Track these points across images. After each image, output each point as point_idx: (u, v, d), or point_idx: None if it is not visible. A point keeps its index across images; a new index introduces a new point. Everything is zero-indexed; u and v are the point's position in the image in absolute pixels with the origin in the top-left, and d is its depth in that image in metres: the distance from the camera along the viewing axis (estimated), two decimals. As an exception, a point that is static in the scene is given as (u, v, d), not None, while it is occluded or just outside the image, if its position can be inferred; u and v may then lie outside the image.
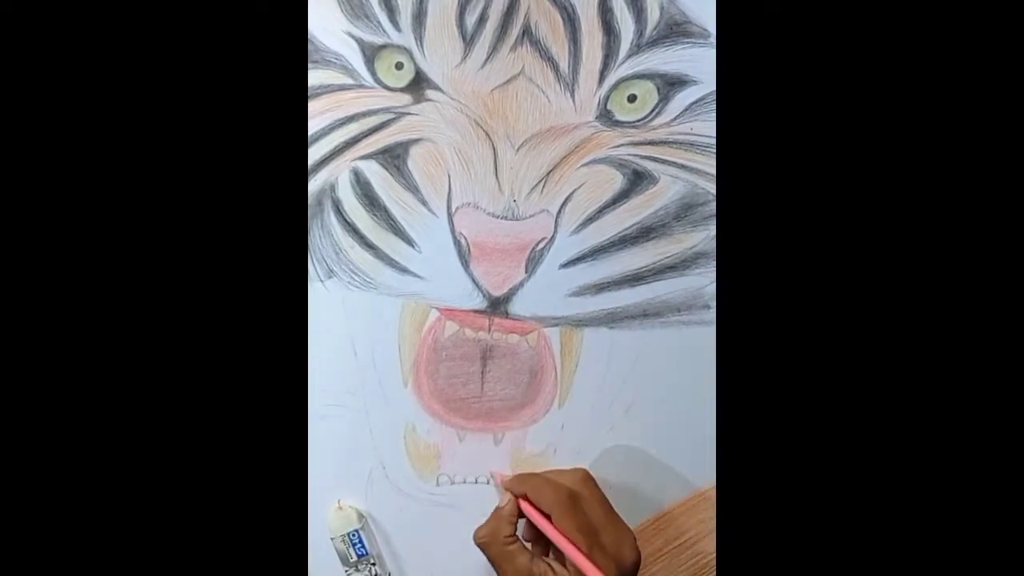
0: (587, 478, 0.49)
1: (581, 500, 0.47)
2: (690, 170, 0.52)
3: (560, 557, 0.46)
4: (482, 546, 0.48)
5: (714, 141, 0.52)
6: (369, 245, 0.53)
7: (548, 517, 0.47)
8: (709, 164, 0.52)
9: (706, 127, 0.52)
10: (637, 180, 0.52)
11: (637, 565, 0.46)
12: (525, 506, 0.48)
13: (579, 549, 0.44)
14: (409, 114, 0.53)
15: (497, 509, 0.49)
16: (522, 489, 0.49)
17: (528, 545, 0.48)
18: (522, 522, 0.49)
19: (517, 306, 0.52)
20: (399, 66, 0.53)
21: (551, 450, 0.53)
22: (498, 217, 0.52)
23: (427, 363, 0.53)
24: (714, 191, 0.52)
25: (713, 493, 0.52)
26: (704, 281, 0.52)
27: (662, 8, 0.52)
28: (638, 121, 0.53)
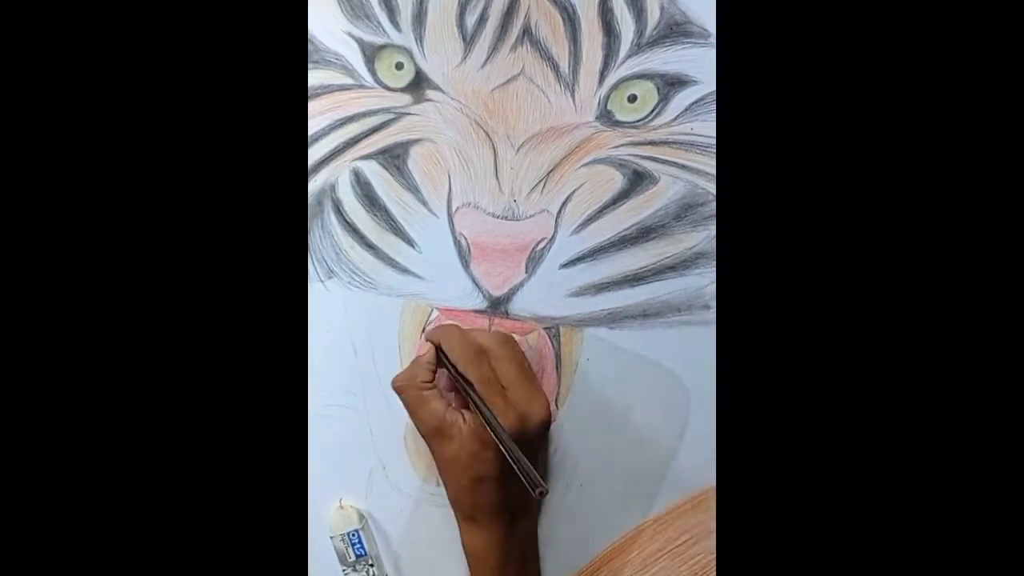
0: (507, 340, 0.50)
1: (490, 355, 0.49)
2: (690, 170, 0.52)
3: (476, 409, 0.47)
4: (398, 390, 0.49)
5: (714, 141, 0.52)
6: (369, 245, 0.53)
7: (455, 367, 0.48)
8: (709, 164, 0.52)
9: (706, 127, 0.52)
10: (637, 180, 0.52)
11: (546, 424, 0.48)
12: (439, 354, 0.49)
13: (474, 393, 0.46)
14: (409, 114, 0.53)
15: (416, 357, 0.51)
16: (437, 338, 0.50)
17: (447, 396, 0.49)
18: (443, 374, 0.50)
19: (517, 306, 0.52)
20: (399, 66, 0.53)
21: (551, 449, 0.53)
22: (498, 217, 0.52)
23: (427, 363, 0.53)
24: (714, 191, 0.52)
25: (713, 493, 0.52)
26: (704, 281, 0.52)
27: (662, 8, 0.52)
28: (638, 121, 0.53)
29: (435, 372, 0.49)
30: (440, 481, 0.53)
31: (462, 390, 0.48)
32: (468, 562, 0.49)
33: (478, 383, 0.47)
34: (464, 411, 0.48)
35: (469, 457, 0.47)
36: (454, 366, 0.48)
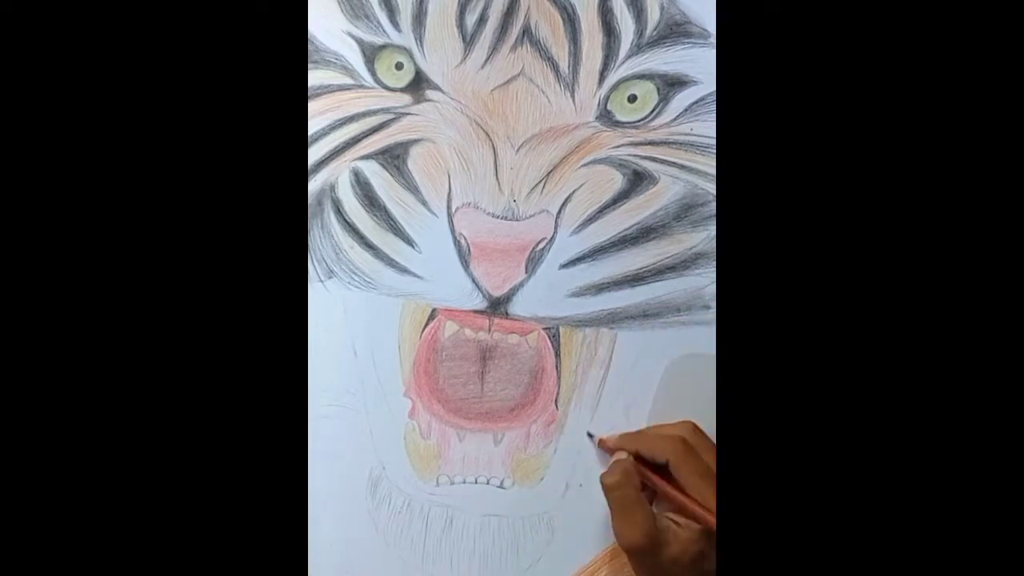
0: (696, 428, 0.49)
1: (695, 447, 0.47)
2: (690, 170, 0.52)
3: (678, 512, 0.47)
4: (612, 487, 0.47)
5: (714, 141, 0.52)
6: (369, 245, 0.53)
7: (659, 473, 0.47)
8: (709, 164, 0.52)
9: (706, 127, 0.52)
10: (637, 180, 0.52)
11: None
12: (638, 464, 0.48)
13: (694, 499, 0.45)
14: (409, 114, 0.53)
15: (619, 460, 0.48)
16: (634, 447, 0.48)
17: None
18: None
19: (517, 306, 0.52)
20: (399, 66, 0.53)
21: (551, 450, 0.53)
22: (498, 217, 0.52)
23: (427, 363, 0.53)
24: (714, 191, 0.52)
25: (713, 493, 0.52)
26: (704, 281, 0.52)
27: (662, 8, 0.52)
28: (638, 121, 0.53)
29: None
30: (440, 481, 0.53)
31: (670, 496, 0.47)
32: None
33: (696, 478, 0.46)
34: (672, 516, 0.47)
35: (692, 558, 0.45)
36: (664, 465, 0.47)
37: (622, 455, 0.49)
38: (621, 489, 0.47)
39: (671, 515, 0.47)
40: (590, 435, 0.52)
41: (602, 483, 0.48)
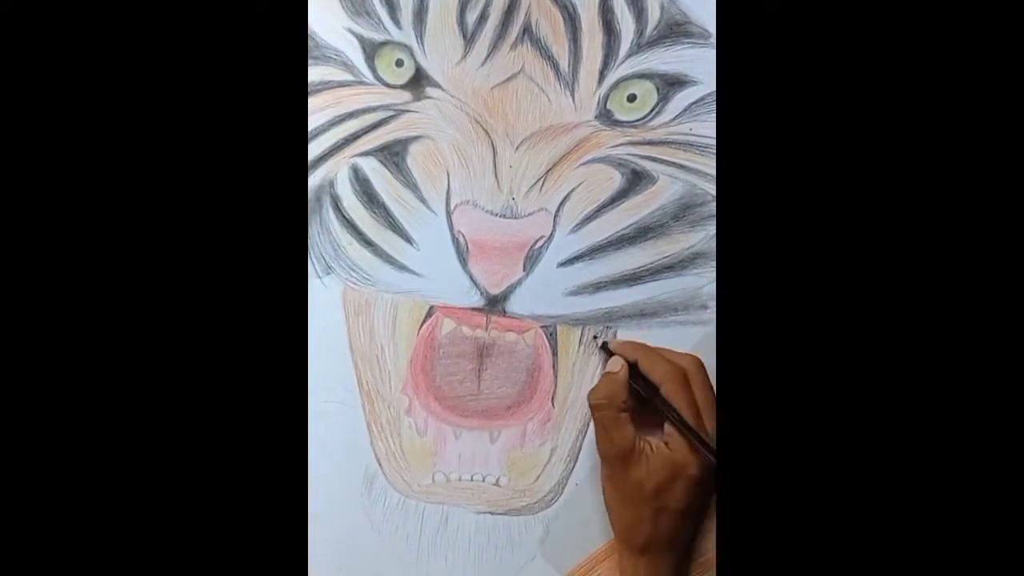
0: (701, 364, 0.49)
1: (692, 380, 0.47)
2: (689, 170, 0.52)
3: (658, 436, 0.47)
4: (595, 407, 0.48)
5: (713, 141, 0.52)
6: (367, 242, 0.53)
7: (656, 389, 0.47)
8: (708, 164, 0.52)
9: (705, 127, 0.52)
10: (636, 180, 0.52)
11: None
12: (628, 380, 0.48)
13: (687, 423, 0.45)
14: (409, 111, 0.53)
15: (609, 373, 0.49)
16: (634, 356, 0.49)
17: None
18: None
19: (515, 304, 0.52)
20: (399, 63, 0.53)
21: (548, 448, 0.53)
22: (497, 215, 0.52)
23: (424, 360, 0.53)
24: (713, 191, 0.52)
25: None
26: (702, 281, 0.52)
27: (662, 8, 0.52)
28: (637, 121, 0.53)
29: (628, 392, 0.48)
30: (436, 478, 0.53)
31: (667, 415, 0.46)
32: None
33: (685, 409, 0.46)
34: (650, 438, 0.47)
35: (656, 487, 0.45)
36: (656, 388, 0.47)
37: (615, 367, 0.49)
38: (602, 411, 0.48)
39: (650, 439, 0.47)
40: (595, 337, 0.52)
41: (588, 399, 0.49)
